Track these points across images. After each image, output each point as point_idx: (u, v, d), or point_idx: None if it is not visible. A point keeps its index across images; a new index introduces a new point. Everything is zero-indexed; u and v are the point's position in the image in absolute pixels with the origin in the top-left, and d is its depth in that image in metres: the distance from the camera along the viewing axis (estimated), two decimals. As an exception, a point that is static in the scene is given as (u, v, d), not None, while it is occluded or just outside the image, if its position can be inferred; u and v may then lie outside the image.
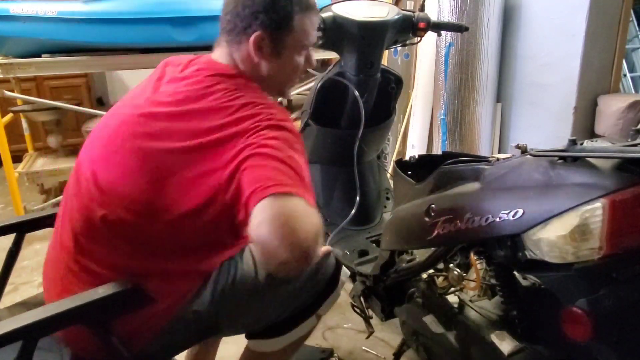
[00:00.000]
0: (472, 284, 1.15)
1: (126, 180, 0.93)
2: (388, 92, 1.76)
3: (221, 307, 1.02)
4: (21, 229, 1.21)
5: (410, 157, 1.47)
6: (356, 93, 1.58)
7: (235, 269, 1.04)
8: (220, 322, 1.06)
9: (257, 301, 1.06)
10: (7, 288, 1.23)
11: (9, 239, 1.21)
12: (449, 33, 2.39)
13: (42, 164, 3.23)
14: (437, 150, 2.63)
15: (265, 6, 0.97)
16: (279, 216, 0.78)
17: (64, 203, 1.04)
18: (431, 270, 1.30)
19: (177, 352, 1.08)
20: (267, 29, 0.98)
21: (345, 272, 1.20)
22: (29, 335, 0.83)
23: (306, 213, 0.80)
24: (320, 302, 1.15)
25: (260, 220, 0.78)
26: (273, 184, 0.81)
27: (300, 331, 1.15)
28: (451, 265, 1.21)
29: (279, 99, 3.34)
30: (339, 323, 1.87)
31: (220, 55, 1.03)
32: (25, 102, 3.30)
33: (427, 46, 2.62)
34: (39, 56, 2.68)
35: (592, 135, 2.29)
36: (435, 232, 1.04)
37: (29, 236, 1.21)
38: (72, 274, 0.97)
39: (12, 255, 1.21)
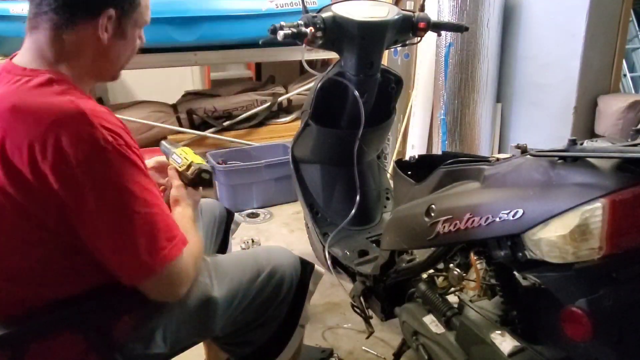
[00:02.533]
0: (472, 284, 1.15)
1: None
2: (388, 92, 1.76)
3: (178, 333, 1.02)
4: None
5: (410, 157, 1.46)
6: (356, 93, 1.58)
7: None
8: (191, 339, 1.07)
9: (221, 317, 1.06)
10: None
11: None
12: (449, 33, 2.39)
13: (42, 164, 3.23)
14: (437, 150, 2.63)
15: None
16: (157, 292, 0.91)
17: None
18: (431, 270, 1.30)
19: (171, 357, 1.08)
20: (117, 6, 0.89)
21: (319, 271, 1.20)
22: (18, 342, 0.82)
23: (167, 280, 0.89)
24: (298, 313, 1.15)
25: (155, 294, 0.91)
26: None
27: (291, 349, 1.15)
28: (451, 265, 1.21)
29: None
30: (339, 323, 1.87)
31: (27, 55, 0.92)
32: (25, 102, 3.30)
33: (427, 46, 2.62)
34: (39, 56, 2.68)
35: (592, 135, 2.29)
36: (435, 232, 1.04)
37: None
38: None
39: None
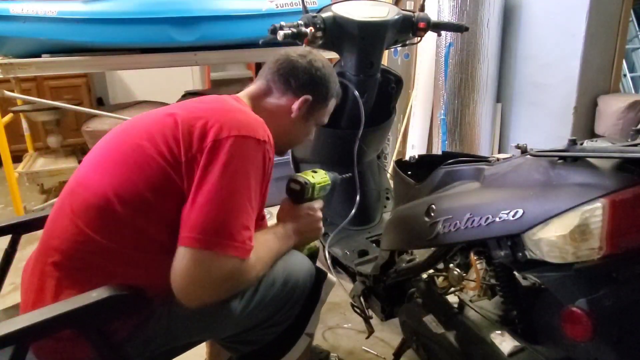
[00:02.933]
0: (472, 284, 1.15)
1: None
2: (388, 92, 1.76)
3: (187, 330, 1.02)
4: (16, 231, 1.21)
5: (410, 157, 1.47)
6: (356, 93, 1.58)
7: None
8: (197, 339, 1.09)
9: (233, 323, 1.06)
10: (8, 288, 1.24)
11: (6, 240, 1.21)
12: (449, 33, 2.39)
13: (42, 164, 3.23)
14: (437, 150, 2.63)
15: (321, 80, 1.16)
16: (189, 274, 0.89)
17: (55, 210, 1.03)
18: (431, 270, 1.30)
19: (172, 357, 1.08)
20: (314, 98, 1.15)
21: (331, 280, 1.19)
22: (21, 340, 0.82)
23: (216, 275, 0.90)
24: (306, 320, 1.15)
25: (176, 268, 0.90)
26: (199, 235, 0.89)
27: (294, 354, 1.14)
28: (451, 265, 1.21)
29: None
30: (339, 323, 1.87)
31: (245, 95, 1.16)
32: (25, 102, 3.31)
33: (427, 46, 2.62)
34: (39, 56, 2.68)
35: (592, 135, 2.29)
36: (435, 232, 1.04)
37: (29, 236, 1.21)
38: (53, 282, 0.95)
39: (8, 256, 1.21)
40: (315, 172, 1.21)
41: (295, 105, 1.13)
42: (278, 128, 1.11)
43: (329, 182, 1.21)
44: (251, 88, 1.16)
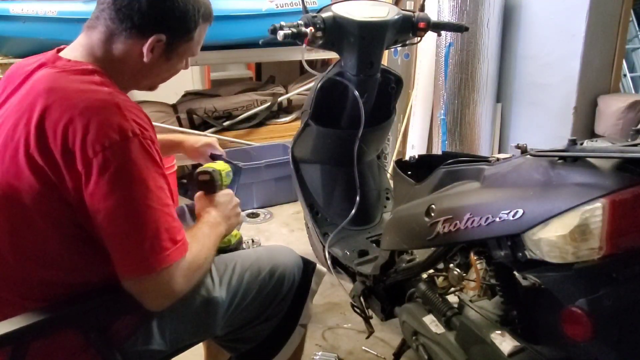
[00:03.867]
0: (472, 284, 1.15)
1: None
2: (388, 92, 1.76)
3: (178, 333, 1.02)
4: None
5: (410, 157, 1.46)
6: (356, 93, 1.58)
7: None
8: (191, 339, 1.08)
9: (222, 317, 1.06)
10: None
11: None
12: (449, 33, 2.39)
13: (42, 164, 3.23)
14: (437, 150, 2.63)
15: (172, 11, 0.93)
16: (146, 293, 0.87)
17: None
18: (431, 270, 1.30)
19: (172, 357, 1.08)
20: (168, 35, 0.94)
21: (321, 271, 1.20)
22: (19, 340, 0.82)
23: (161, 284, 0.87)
24: (299, 311, 1.15)
25: (135, 295, 0.87)
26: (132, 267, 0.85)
27: (290, 348, 1.15)
28: (451, 265, 1.21)
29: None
30: (339, 323, 1.87)
31: (77, 49, 0.95)
32: (25, 102, 3.30)
33: (427, 46, 2.62)
34: (39, 56, 2.68)
35: (592, 135, 2.29)
36: (435, 232, 1.04)
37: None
38: None
39: None
40: (215, 163, 1.22)
41: (145, 48, 0.93)
42: (136, 74, 0.98)
43: (229, 168, 1.21)
44: (94, 39, 0.93)
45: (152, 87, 1.07)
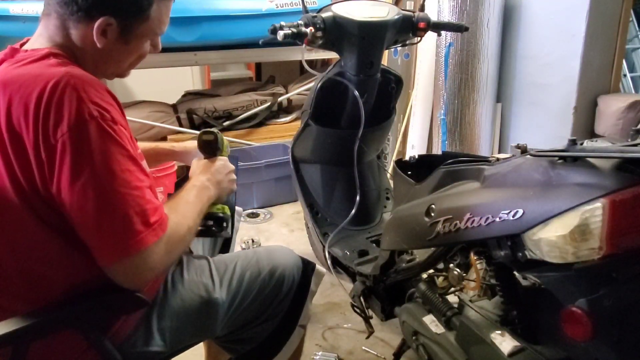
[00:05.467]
0: (472, 284, 1.15)
1: None
2: (388, 92, 1.76)
3: (178, 333, 1.02)
4: None
5: (410, 157, 1.46)
6: (356, 93, 1.58)
7: (181, 290, 1.03)
8: (191, 340, 1.07)
9: (222, 318, 1.06)
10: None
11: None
12: (449, 33, 2.39)
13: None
14: (437, 150, 2.63)
15: None
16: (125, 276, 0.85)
17: None
18: (431, 270, 1.30)
19: (172, 357, 1.08)
20: (118, 16, 0.88)
21: (320, 271, 1.19)
22: (20, 340, 0.82)
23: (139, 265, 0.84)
24: (298, 312, 1.15)
25: (120, 282, 0.85)
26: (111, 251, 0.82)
27: (290, 347, 1.15)
28: (451, 265, 1.21)
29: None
30: (339, 323, 1.87)
31: (36, 40, 0.92)
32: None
33: (427, 46, 2.62)
34: (39, 56, 2.68)
35: (592, 135, 2.29)
36: (435, 232, 1.04)
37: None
38: None
39: None
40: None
41: (94, 34, 0.87)
42: (97, 60, 0.93)
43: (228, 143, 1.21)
44: (49, 27, 0.90)
45: (120, 75, 1.02)
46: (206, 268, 1.07)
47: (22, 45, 0.94)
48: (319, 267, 1.20)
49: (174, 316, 1.00)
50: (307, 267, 1.17)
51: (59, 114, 0.79)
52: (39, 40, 0.91)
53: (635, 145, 0.84)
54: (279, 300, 1.12)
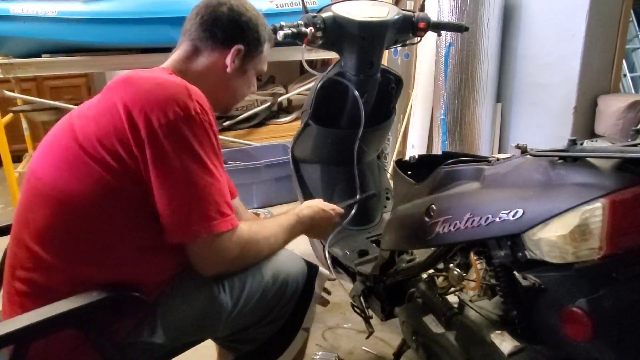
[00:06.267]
0: (472, 284, 1.15)
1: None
2: (388, 92, 1.76)
3: (180, 331, 1.02)
4: None
5: (410, 157, 1.46)
6: (356, 93, 1.58)
7: (188, 289, 1.04)
8: (192, 340, 1.09)
9: (225, 321, 1.06)
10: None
11: (6, 240, 1.21)
12: (449, 33, 2.39)
13: (42, 164, 3.23)
14: (437, 150, 2.63)
15: (248, 25, 1.09)
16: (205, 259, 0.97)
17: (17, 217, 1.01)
18: (431, 270, 1.30)
19: (172, 357, 1.09)
20: (246, 46, 1.09)
21: (323, 274, 1.20)
22: (21, 339, 0.82)
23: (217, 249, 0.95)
24: (302, 315, 1.15)
25: (193, 263, 0.97)
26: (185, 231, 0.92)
27: (293, 350, 1.15)
28: (451, 265, 1.21)
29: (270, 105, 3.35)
30: (339, 323, 1.87)
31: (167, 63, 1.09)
32: (25, 102, 3.31)
33: (427, 46, 2.62)
34: (39, 56, 2.68)
35: (592, 135, 2.29)
36: (435, 232, 1.04)
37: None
38: (19, 295, 0.95)
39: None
40: None
41: (228, 59, 1.08)
42: (216, 88, 1.09)
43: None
44: (177, 54, 1.09)
45: (227, 109, 1.19)
46: None
47: None
48: (322, 269, 1.20)
49: (178, 314, 1.01)
50: (311, 271, 1.17)
51: (170, 108, 0.90)
52: (164, 64, 1.08)
53: (635, 145, 0.84)
54: (283, 304, 1.12)
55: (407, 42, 1.73)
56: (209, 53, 1.07)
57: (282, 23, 1.47)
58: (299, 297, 1.14)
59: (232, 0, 1.09)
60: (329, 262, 1.71)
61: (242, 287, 1.07)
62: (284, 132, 3.31)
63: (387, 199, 1.96)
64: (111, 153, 0.90)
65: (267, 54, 1.16)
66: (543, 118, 2.44)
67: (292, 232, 1.14)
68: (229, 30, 1.07)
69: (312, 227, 1.21)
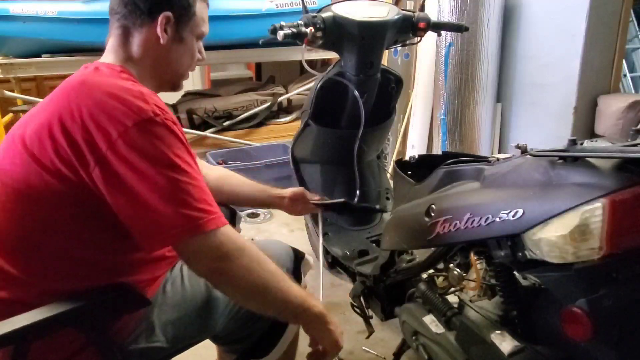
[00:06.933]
0: (472, 284, 1.15)
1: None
2: (388, 92, 1.76)
3: (178, 329, 1.02)
4: None
5: (410, 157, 1.46)
6: (356, 93, 1.58)
7: (183, 286, 1.04)
8: (191, 338, 1.08)
9: (221, 314, 1.07)
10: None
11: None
12: (449, 33, 2.39)
13: (42, 164, 3.23)
14: (437, 150, 2.63)
15: None
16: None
17: None
18: (431, 270, 1.30)
19: (172, 356, 1.08)
20: (174, 11, 0.99)
21: (309, 261, 1.22)
22: (21, 339, 0.82)
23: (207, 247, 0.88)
24: None
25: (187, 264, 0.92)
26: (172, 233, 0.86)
27: (286, 340, 1.16)
28: (451, 265, 1.21)
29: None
30: (339, 323, 1.87)
31: (106, 56, 1.02)
32: (25, 102, 3.30)
33: (427, 46, 2.62)
34: (39, 56, 2.68)
35: (592, 135, 2.29)
36: (435, 232, 1.04)
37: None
38: None
39: None
40: None
41: (158, 30, 0.99)
42: (158, 64, 1.02)
43: None
44: (111, 42, 1.02)
45: (175, 84, 1.10)
46: None
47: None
48: (307, 256, 1.22)
49: (175, 312, 1.01)
50: (297, 257, 1.20)
51: (126, 114, 0.85)
52: (109, 56, 1.02)
53: (635, 145, 0.84)
54: None
55: (407, 42, 1.73)
56: (139, 30, 0.99)
57: (282, 23, 1.47)
58: None
59: None
60: (329, 262, 1.72)
61: None
62: (284, 132, 3.31)
63: (387, 199, 1.96)
64: (66, 164, 0.86)
65: (203, 14, 1.05)
66: (543, 118, 2.44)
67: (288, 292, 0.96)
68: (151, 0, 0.98)
69: (309, 322, 1.00)
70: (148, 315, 0.99)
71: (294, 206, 1.47)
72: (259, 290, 0.92)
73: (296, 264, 1.19)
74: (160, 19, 0.98)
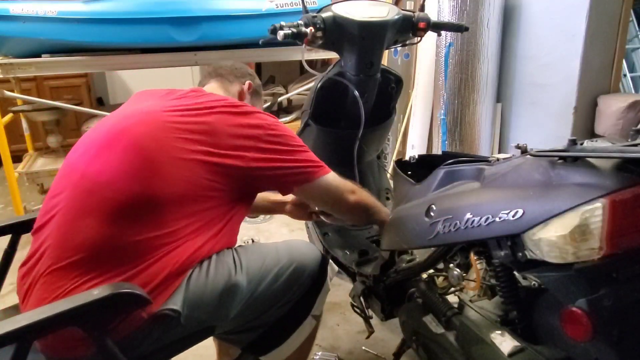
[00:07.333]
0: (472, 284, 1.15)
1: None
2: (388, 92, 1.76)
3: (197, 307, 1.04)
4: (16, 231, 1.21)
5: (410, 157, 1.46)
6: (356, 93, 1.58)
7: (209, 268, 1.06)
8: (203, 322, 1.08)
9: (239, 302, 1.09)
10: (8, 288, 1.23)
11: (6, 240, 1.22)
12: (449, 33, 2.39)
13: (42, 164, 3.23)
14: (437, 150, 2.63)
15: (248, 70, 1.47)
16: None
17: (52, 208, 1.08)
18: (431, 270, 1.30)
19: (172, 355, 1.09)
20: (252, 83, 1.45)
21: (332, 267, 1.24)
22: (22, 338, 0.82)
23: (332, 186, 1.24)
24: (312, 301, 1.18)
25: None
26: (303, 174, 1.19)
27: (300, 336, 1.17)
28: (451, 265, 1.21)
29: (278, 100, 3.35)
30: (339, 323, 1.87)
31: (213, 89, 1.37)
32: (25, 102, 3.31)
33: (427, 46, 2.62)
34: (39, 56, 2.68)
35: (592, 135, 2.29)
36: (435, 232, 1.04)
37: (29, 236, 1.21)
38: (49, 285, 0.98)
39: (8, 256, 1.21)
40: None
41: (245, 87, 1.42)
42: None
43: None
44: (214, 86, 1.39)
45: None
46: (230, 253, 1.13)
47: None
48: (331, 262, 1.28)
49: (198, 291, 1.03)
50: (324, 260, 1.23)
51: (254, 120, 1.15)
52: (217, 91, 1.36)
53: (635, 145, 0.84)
54: (295, 289, 1.15)
55: (407, 42, 1.72)
56: (232, 86, 1.43)
57: (282, 23, 1.47)
58: (311, 284, 1.17)
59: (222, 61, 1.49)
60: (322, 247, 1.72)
61: (258, 268, 1.11)
62: (284, 132, 3.31)
63: (387, 199, 1.96)
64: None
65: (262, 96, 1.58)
66: (543, 118, 2.44)
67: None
68: (240, 73, 1.47)
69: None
70: (181, 283, 1.02)
71: (295, 212, 1.54)
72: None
73: (322, 266, 1.21)
74: (247, 83, 1.44)
